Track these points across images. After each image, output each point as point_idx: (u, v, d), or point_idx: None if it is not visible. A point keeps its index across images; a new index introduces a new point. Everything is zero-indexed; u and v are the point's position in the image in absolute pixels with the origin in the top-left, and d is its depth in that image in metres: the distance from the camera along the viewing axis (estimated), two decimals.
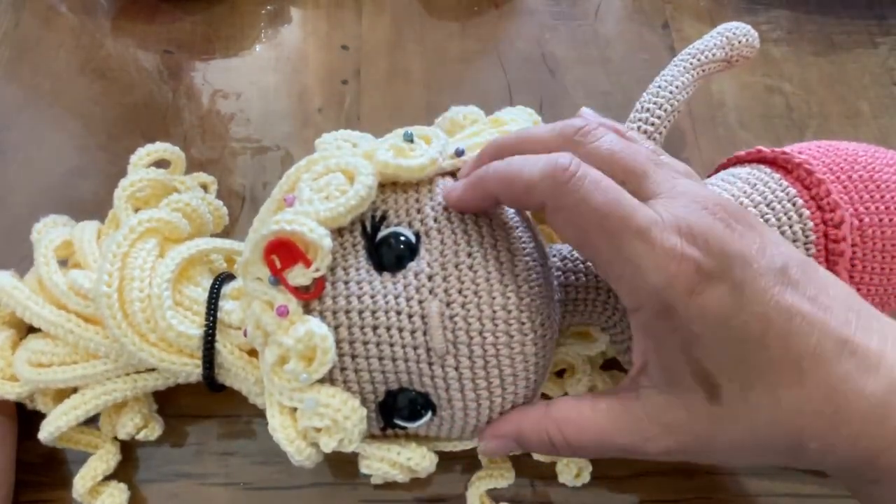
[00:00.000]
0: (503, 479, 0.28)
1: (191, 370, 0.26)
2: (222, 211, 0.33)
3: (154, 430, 0.28)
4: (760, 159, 0.29)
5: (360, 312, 0.23)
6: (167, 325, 0.25)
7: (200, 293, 0.27)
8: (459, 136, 0.28)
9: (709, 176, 0.31)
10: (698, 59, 0.31)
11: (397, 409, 0.24)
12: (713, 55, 0.31)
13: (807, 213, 0.26)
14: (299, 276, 0.22)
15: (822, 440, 0.19)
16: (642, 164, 0.21)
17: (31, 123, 0.37)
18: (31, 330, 0.28)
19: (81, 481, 0.27)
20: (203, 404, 0.30)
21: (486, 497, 0.28)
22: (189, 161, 0.36)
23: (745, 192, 0.27)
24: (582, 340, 0.29)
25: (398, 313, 0.23)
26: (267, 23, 0.42)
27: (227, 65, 0.40)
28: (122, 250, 0.26)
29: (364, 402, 0.24)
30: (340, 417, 0.23)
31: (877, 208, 0.27)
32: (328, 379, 0.23)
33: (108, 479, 0.28)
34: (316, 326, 0.22)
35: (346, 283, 0.23)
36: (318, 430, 0.24)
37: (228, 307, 0.27)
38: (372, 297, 0.23)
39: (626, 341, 0.27)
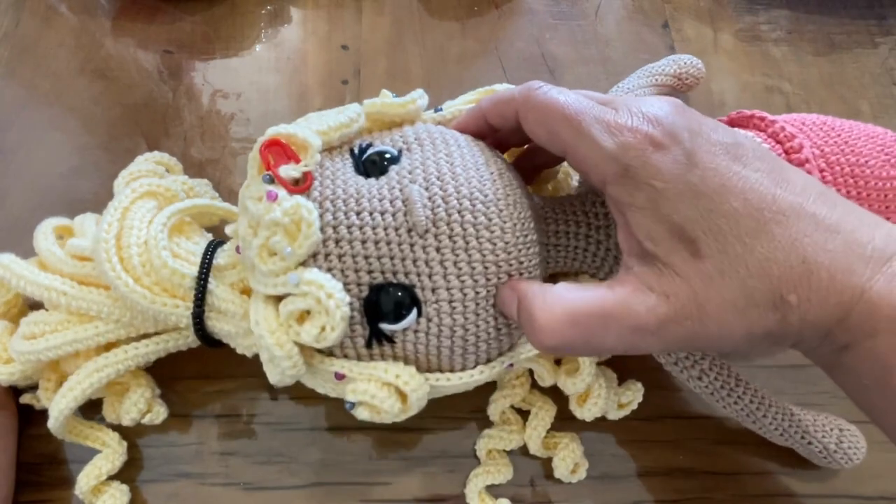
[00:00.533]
0: (501, 475, 0.29)
1: (182, 312, 0.26)
2: (220, 203, 0.33)
3: (159, 414, 0.28)
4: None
5: (345, 200, 0.24)
6: (162, 262, 0.25)
7: (196, 248, 0.27)
8: (443, 105, 0.30)
9: None
10: (651, 72, 0.37)
11: (382, 312, 0.24)
12: (663, 69, 0.37)
13: (767, 146, 0.28)
14: (290, 170, 0.24)
15: (798, 292, 0.20)
16: (599, 97, 0.24)
17: (31, 123, 0.37)
18: None
19: (85, 479, 0.27)
20: (203, 403, 0.30)
21: (486, 493, 0.28)
22: (189, 161, 0.36)
23: None
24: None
25: (381, 199, 0.24)
26: (267, 23, 0.42)
27: (227, 65, 0.40)
28: (123, 205, 0.27)
29: (349, 294, 0.24)
30: (323, 295, 0.23)
31: (835, 142, 0.29)
32: (313, 265, 0.23)
33: (109, 479, 0.28)
34: (302, 200, 0.23)
35: (333, 179, 0.25)
36: (301, 320, 0.24)
37: (223, 255, 0.27)
38: (357, 189, 0.24)
39: None
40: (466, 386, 0.26)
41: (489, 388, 0.30)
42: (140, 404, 0.28)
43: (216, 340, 0.27)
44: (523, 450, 0.30)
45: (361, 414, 0.25)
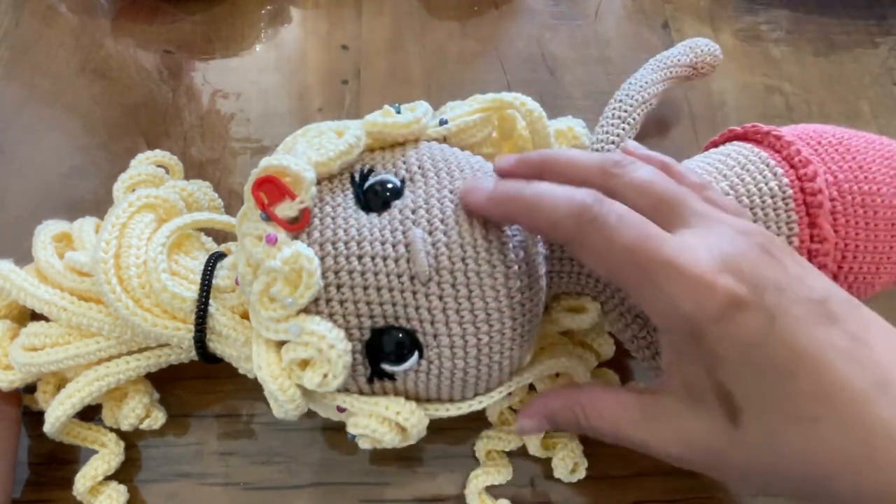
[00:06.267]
0: (500, 475, 0.29)
1: (183, 335, 0.26)
2: (218, 202, 0.33)
3: (157, 420, 0.28)
4: (733, 137, 0.31)
5: (346, 242, 0.23)
6: (162, 286, 0.25)
7: (195, 264, 0.27)
8: (445, 107, 0.29)
9: None
10: (665, 63, 0.34)
11: (383, 353, 0.24)
12: (679, 60, 0.34)
13: (780, 170, 0.27)
14: (286, 209, 0.23)
15: (851, 484, 0.18)
16: (678, 193, 0.22)
17: (31, 123, 0.37)
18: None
19: (82, 480, 0.27)
20: (203, 403, 0.30)
21: (486, 494, 0.29)
22: (189, 161, 0.36)
23: (720, 160, 0.29)
24: (573, 313, 0.29)
25: (383, 243, 0.23)
26: (267, 23, 0.42)
27: (227, 65, 0.40)
28: (121, 221, 0.27)
29: (350, 338, 0.24)
30: (325, 346, 0.23)
31: (850, 167, 0.28)
32: (314, 311, 0.23)
33: (108, 479, 0.28)
34: (303, 248, 0.23)
35: (334, 217, 0.24)
36: (303, 365, 0.24)
37: (222, 274, 0.27)
38: (358, 229, 0.24)
39: (619, 307, 0.27)
40: (465, 413, 0.27)
41: None
42: (138, 410, 0.28)
43: (217, 358, 0.27)
44: (523, 450, 0.30)
45: (363, 444, 0.26)
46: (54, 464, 0.29)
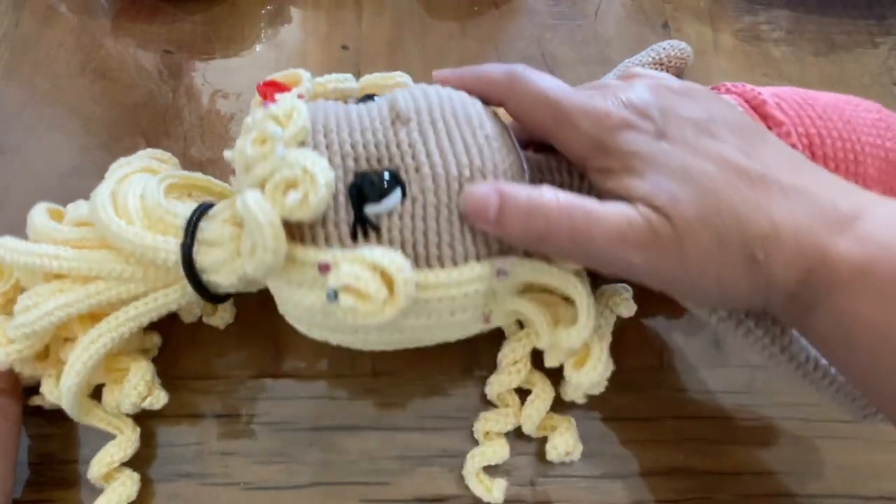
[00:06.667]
0: (498, 455, 0.29)
1: (171, 248, 0.26)
2: (215, 180, 0.33)
3: (159, 399, 0.28)
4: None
5: (335, 108, 0.27)
6: (155, 203, 0.27)
7: (186, 207, 0.28)
8: None
9: None
10: (631, 64, 0.37)
11: (366, 194, 0.24)
12: (641, 60, 0.37)
13: (745, 116, 0.28)
14: (285, 95, 0.26)
15: (765, 250, 0.22)
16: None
17: (31, 123, 0.37)
18: None
19: (97, 465, 0.27)
20: (203, 404, 0.30)
21: (483, 473, 0.29)
22: (189, 161, 0.36)
23: None
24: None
25: (368, 108, 0.26)
26: (267, 23, 0.42)
27: (227, 65, 0.40)
28: (119, 175, 0.28)
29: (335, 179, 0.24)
30: (308, 163, 0.23)
31: (825, 125, 0.30)
32: None
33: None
34: (295, 99, 0.25)
35: (325, 103, 0.27)
36: (288, 192, 0.24)
37: (214, 209, 0.28)
38: (346, 104, 0.27)
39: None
40: (458, 288, 0.25)
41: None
42: (140, 388, 0.28)
43: (202, 285, 0.27)
44: (523, 449, 0.30)
45: (344, 301, 0.23)
46: (54, 464, 0.29)
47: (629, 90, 0.25)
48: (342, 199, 0.24)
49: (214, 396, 0.31)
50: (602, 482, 0.29)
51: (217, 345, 0.32)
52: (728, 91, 0.31)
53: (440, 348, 0.32)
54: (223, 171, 0.36)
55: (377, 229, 0.24)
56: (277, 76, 0.28)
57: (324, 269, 0.24)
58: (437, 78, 0.28)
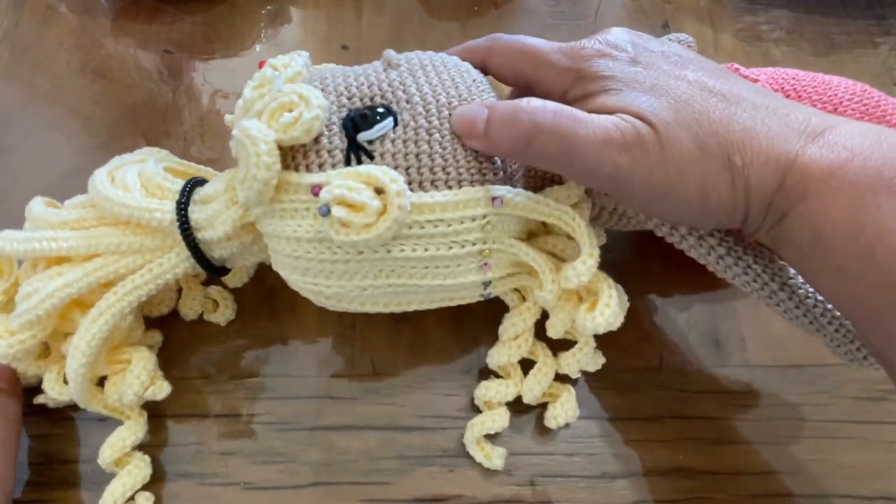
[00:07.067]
0: (498, 422, 0.29)
1: (167, 208, 0.26)
2: (212, 170, 0.33)
3: (162, 389, 0.28)
4: None
5: (331, 68, 0.29)
6: (153, 173, 0.28)
7: (182, 182, 0.28)
8: None
9: None
10: None
11: (358, 124, 0.25)
12: None
13: (718, 64, 0.29)
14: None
15: (742, 154, 0.23)
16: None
17: (31, 123, 0.37)
18: None
19: (109, 450, 0.27)
20: (203, 404, 0.30)
21: (484, 441, 0.29)
22: (189, 161, 0.36)
23: None
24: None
25: (364, 68, 0.28)
26: (267, 23, 0.42)
27: (227, 65, 0.40)
28: (119, 162, 0.29)
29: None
30: (304, 91, 0.24)
31: (800, 83, 0.31)
32: None
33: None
34: (294, 54, 0.28)
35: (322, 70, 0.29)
36: (283, 115, 0.25)
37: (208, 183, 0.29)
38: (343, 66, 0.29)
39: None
40: (453, 211, 0.25)
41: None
42: (142, 377, 0.28)
43: (200, 250, 0.27)
44: (523, 449, 0.30)
45: (337, 212, 0.23)
46: (54, 464, 0.29)
47: (604, 32, 0.27)
48: (336, 129, 0.25)
49: (214, 396, 0.31)
50: (602, 482, 0.29)
51: (217, 344, 0.32)
52: None
53: (440, 347, 0.32)
54: (223, 171, 0.36)
55: (371, 155, 0.25)
56: (278, 58, 0.29)
57: (317, 190, 0.24)
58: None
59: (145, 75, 0.39)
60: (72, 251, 0.27)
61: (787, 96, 0.30)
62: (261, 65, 0.28)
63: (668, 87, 0.24)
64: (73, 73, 0.39)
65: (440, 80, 0.27)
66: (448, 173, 0.25)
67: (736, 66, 0.31)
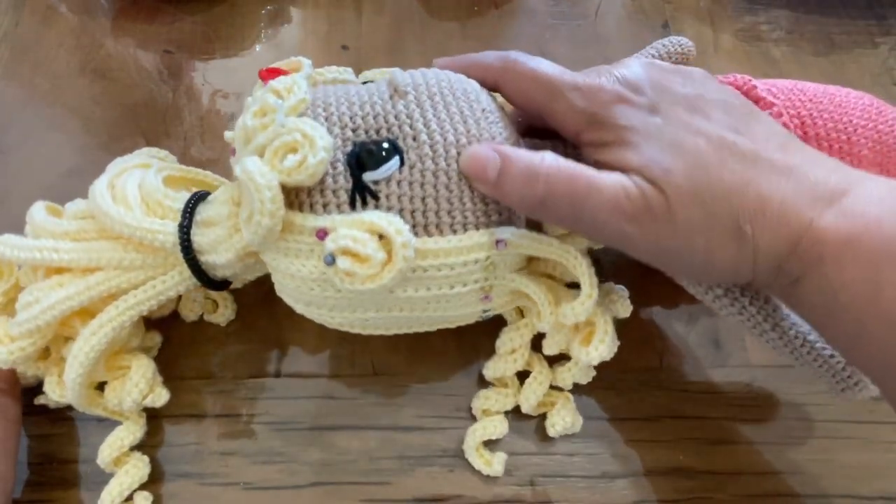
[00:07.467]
0: (497, 430, 0.29)
1: (169, 230, 0.26)
2: (213, 175, 0.33)
3: (160, 396, 0.28)
4: None
5: (335, 89, 0.27)
6: (154, 187, 0.27)
7: (183, 195, 0.28)
8: None
9: None
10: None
11: (364, 162, 0.25)
12: (649, 53, 0.36)
13: (739, 98, 0.29)
14: (285, 78, 0.26)
15: (753, 223, 0.22)
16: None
17: (31, 123, 0.37)
18: None
19: (108, 450, 0.27)
20: (203, 404, 0.30)
21: (483, 447, 0.29)
22: (189, 161, 0.36)
23: None
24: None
25: (367, 87, 0.27)
26: (267, 23, 0.42)
27: (227, 65, 0.40)
28: (117, 169, 0.29)
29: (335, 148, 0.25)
30: (308, 128, 0.24)
31: (816, 107, 0.30)
32: None
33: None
34: (297, 75, 0.26)
35: (325, 87, 0.28)
36: (287, 156, 0.24)
37: (211, 197, 0.28)
38: (347, 85, 0.28)
39: None
40: (457, 256, 0.25)
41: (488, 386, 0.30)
42: (141, 385, 0.28)
43: (202, 271, 0.27)
44: (523, 449, 0.30)
45: (342, 263, 0.23)
46: (54, 464, 0.29)
47: (622, 67, 0.26)
48: (341, 167, 0.25)
49: (214, 396, 0.31)
50: (602, 482, 0.29)
51: (217, 344, 0.32)
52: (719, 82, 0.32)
53: (440, 348, 0.32)
54: (223, 171, 0.36)
55: (376, 197, 0.24)
56: (279, 63, 0.28)
57: (321, 234, 0.24)
58: (437, 65, 0.29)
59: (145, 75, 0.39)
60: (73, 263, 0.27)
61: (805, 131, 0.29)
62: (261, 74, 0.27)
63: (686, 145, 0.23)
64: (73, 73, 0.39)
65: (448, 114, 0.26)
66: (454, 217, 0.25)
67: (749, 78, 0.31)
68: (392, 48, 0.41)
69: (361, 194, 0.24)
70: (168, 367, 0.30)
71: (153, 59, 0.40)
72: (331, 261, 0.23)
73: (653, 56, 0.37)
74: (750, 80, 0.31)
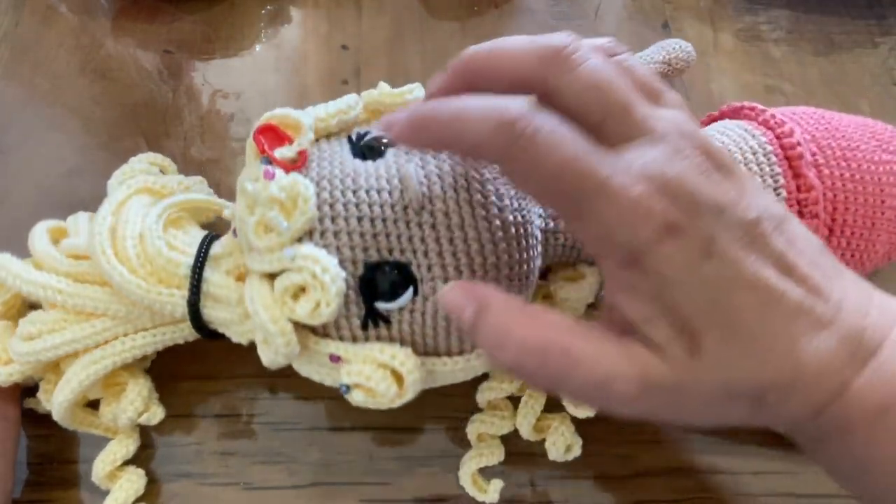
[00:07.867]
0: (493, 457, 0.29)
1: (177, 301, 0.26)
2: (216, 199, 0.33)
3: (156, 415, 0.28)
4: (710, 121, 0.33)
5: (342, 179, 0.24)
6: (157, 250, 0.26)
7: (190, 239, 0.27)
8: None
9: None
10: (642, 60, 0.36)
11: (377, 291, 0.24)
12: (652, 58, 0.36)
13: (758, 132, 0.29)
14: (285, 151, 0.24)
15: (778, 393, 0.19)
16: (625, 99, 0.20)
17: (31, 123, 0.37)
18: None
19: (101, 465, 0.27)
20: (203, 403, 0.30)
21: (479, 476, 0.29)
22: (189, 161, 0.36)
23: (717, 130, 0.30)
24: (572, 282, 0.28)
25: (377, 178, 0.24)
26: (267, 23, 0.42)
27: (227, 65, 0.40)
28: (118, 200, 0.27)
29: (344, 272, 0.24)
30: (319, 269, 0.23)
31: (825, 127, 0.29)
32: (308, 242, 0.24)
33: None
34: (299, 178, 0.23)
35: (331, 160, 0.25)
36: (297, 297, 0.24)
37: (217, 245, 0.27)
38: (353, 169, 0.25)
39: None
40: (464, 373, 0.26)
41: None
42: (137, 404, 0.28)
43: (212, 331, 0.27)
44: (523, 449, 0.30)
45: (356, 397, 0.24)
46: (54, 464, 0.29)
47: (667, 160, 0.19)
48: (353, 294, 0.24)
49: (214, 396, 0.31)
50: (602, 482, 0.29)
51: (217, 344, 0.32)
52: (745, 115, 0.31)
53: None
54: (223, 171, 0.36)
55: (388, 322, 0.24)
56: (275, 120, 0.25)
57: (335, 359, 0.25)
58: (397, 139, 0.22)
59: (145, 75, 0.39)
60: (77, 308, 0.26)
61: (835, 219, 0.27)
62: (255, 139, 0.25)
63: (732, 306, 0.19)
64: (73, 73, 0.39)
65: (465, 239, 0.24)
66: (462, 342, 0.25)
67: (759, 106, 0.30)
68: (392, 48, 0.41)
69: (374, 320, 0.24)
70: (168, 366, 0.30)
71: (153, 59, 0.40)
72: (346, 390, 0.25)
73: (662, 58, 0.36)
74: (792, 137, 0.28)
